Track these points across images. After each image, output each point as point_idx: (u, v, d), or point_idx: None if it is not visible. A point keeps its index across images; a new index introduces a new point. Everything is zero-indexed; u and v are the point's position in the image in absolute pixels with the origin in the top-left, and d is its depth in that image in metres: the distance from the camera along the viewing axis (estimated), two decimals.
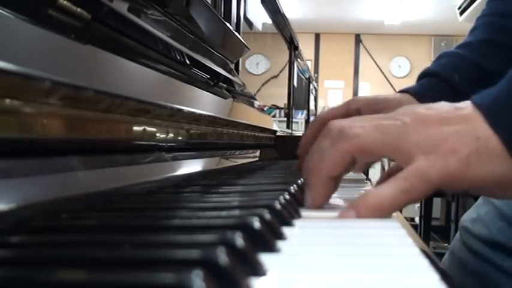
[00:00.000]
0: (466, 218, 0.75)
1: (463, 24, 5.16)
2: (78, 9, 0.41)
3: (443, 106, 0.42)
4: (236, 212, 0.34)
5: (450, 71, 0.71)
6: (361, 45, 7.24)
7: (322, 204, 0.44)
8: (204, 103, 0.71)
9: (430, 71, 0.74)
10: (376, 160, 0.48)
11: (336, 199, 0.50)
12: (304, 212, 0.40)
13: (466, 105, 0.41)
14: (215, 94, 0.80)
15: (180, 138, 0.58)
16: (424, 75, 0.74)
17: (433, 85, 0.71)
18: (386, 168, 5.38)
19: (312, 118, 4.53)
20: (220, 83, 0.89)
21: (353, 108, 0.65)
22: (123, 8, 0.52)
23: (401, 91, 0.72)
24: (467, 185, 0.39)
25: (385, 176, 0.47)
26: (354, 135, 0.41)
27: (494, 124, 0.38)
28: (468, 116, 0.40)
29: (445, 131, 0.39)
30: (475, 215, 0.72)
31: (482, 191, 0.43)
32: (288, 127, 2.72)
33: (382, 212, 0.38)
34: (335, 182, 0.44)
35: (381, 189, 0.38)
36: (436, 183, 0.38)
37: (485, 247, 0.68)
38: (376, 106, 0.64)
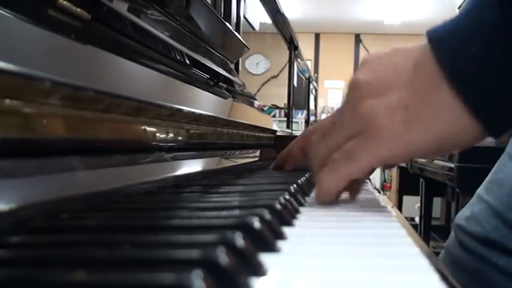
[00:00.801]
0: (460, 216, 0.75)
1: None
2: (78, 9, 0.41)
3: (397, 54, 0.42)
4: (236, 212, 0.34)
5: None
6: (361, 45, 7.24)
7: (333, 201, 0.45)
8: (204, 103, 0.71)
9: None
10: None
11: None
12: (303, 210, 0.40)
13: (418, 50, 0.40)
14: (215, 94, 0.80)
15: (180, 138, 0.58)
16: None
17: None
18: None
19: (312, 118, 4.53)
20: (220, 83, 0.89)
21: None
22: (123, 8, 0.52)
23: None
24: (407, 155, 0.40)
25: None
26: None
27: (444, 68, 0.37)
28: (408, 69, 0.39)
29: (374, 104, 0.39)
30: (469, 213, 0.72)
31: (429, 154, 0.43)
32: (288, 127, 2.72)
33: (334, 196, 0.43)
34: None
35: (323, 178, 0.42)
36: (366, 163, 0.40)
37: (480, 245, 0.68)
38: None
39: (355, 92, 0.41)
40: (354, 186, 0.47)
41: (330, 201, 0.44)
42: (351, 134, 0.41)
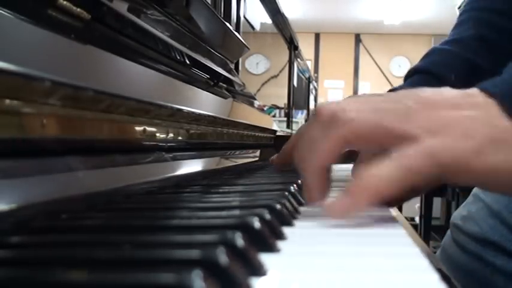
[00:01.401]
0: (457, 215, 0.74)
1: None
2: (78, 9, 0.41)
3: (450, 91, 0.37)
4: (236, 212, 0.34)
5: (443, 68, 0.69)
6: (361, 44, 7.24)
7: (320, 199, 0.39)
8: (204, 103, 0.71)
9: (421, 68, 0.71)
10: (375, 150, 0.40)
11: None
12: (303, 210, 0.40)
13: (476, 93, 0.36)
14: (215, 94, 0.80)
15: (180, 138, 0.58)
16: (414, 73, 0.71)
17: (424, 83, 0.67)
18: None
19: None
20: (220, 83, 0.89)
21: None
22: (123, 8, 0.52)
23: (391, 90, 0.69)
24: (474, 176, 0.34)
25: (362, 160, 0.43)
26: (349, 120, 0.36)
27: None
28: (481, 103, 0.35)
29: (456, 115, 0.34)
30: (465, 213, 0.72)
31: (490, 185, 0.38)
32: (288, 127, 2.72)
33: (384, 195, 0.33)
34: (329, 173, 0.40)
35: (379, 169, 0.33)
36: (443, 166, 0.33)
37: (477, 245, 0.68)
38: None
39: (420, 107, 0.36)
40: None
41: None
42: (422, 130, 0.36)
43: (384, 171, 0.33)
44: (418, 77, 0.70)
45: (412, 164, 0.33)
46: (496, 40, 0.70)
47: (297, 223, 0.35)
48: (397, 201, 0.45)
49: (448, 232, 0.76)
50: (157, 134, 0.52)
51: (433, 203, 3.09)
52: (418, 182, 0.34)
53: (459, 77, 0.67)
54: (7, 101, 0.29)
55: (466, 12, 0.77)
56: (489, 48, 0.70)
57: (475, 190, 0.74)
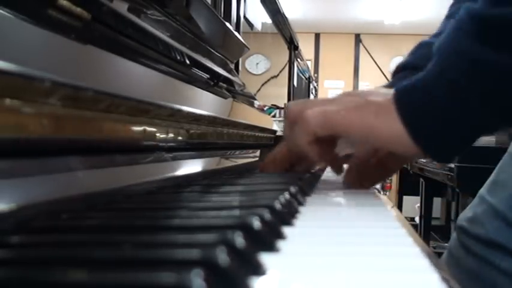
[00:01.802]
0: (462, 217, 0.74)
1: None
2: (78, 9, 0.41)
3: (380, 91, 0.53)
4: (236, 212, 0.34)
5: (428, 62, 0.70)
6: (361, 45, 7.23)
7: (332, 159, 0.57)
8: (204, 103, 0.71)
9: (407, 63, 0.75)
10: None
11: (336, 198, 0.50)
12: (303, 210, 0.40)
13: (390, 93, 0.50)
14: (215, 94, 0.80)
15: (180, 138, 0.58)
16: (401, 68, 0.74)
17: (404, 77, 0.68)
18: None
19: None
20: (220, 83, 0.89)
21: None
22: (123, 8, 0.52)
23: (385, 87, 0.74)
24: (338, 128, 0.51)
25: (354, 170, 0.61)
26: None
27: (397, 105, 0.48)
28: (380, 94, 0.51)
29: (349, 99, 0.52)
30: (471, 214, 0.72)
31: (365, 138, 0.52)
32: None
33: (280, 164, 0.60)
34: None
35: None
36: (333, 123, 0.50)
37: (482, 247, 0.68)
38: None
39: (344, 94, 0.57)
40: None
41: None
42: (329, 104, 0.55)
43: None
44: (404, 73, 0.73)
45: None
46: None
47: (297, 223, 0.35)
48: (373, 181, 0.63)
49: (454, 235, 0.76)
50: (157, 134, 0.52)
51: (433, 203, 3.09)
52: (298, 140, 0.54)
53: None
54: (7, 101, 0.29)
55: (454, 4, 0.77)
56: None
57: (481, 191, 0.74)
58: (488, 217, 0.68)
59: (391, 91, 0.50)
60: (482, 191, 0.74)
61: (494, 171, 0.75)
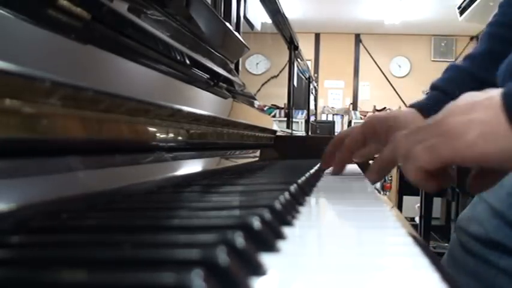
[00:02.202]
0: (462, 217, 0.74)
1: (463, 24, 5.16)
2: (78, 9, 0.41)
3: (477, 96, 0.48)
4: (236, 212, 0.34)
5: (454, 85, 0.79)
6: (361, 45, 7.24)
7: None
8: (204, 103, 0.71)
9: (437, 85, 0.82)
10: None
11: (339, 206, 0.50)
12: (303, 210, 0.40)
13: (495, 94, 0.46)
14: (215, 94, 0.80)
15: (180, 138, 0.58)
16: (432, 88, 0.82)
17: (437, 99, 0.78)
18: None
19: (312, 118, 4.53)
20: (220, 83, 0.89)
21: (369, 127, 0.78)
22: (123, 8, 0.52)
23: (410, 106, 0.82)
24: (474, 159, 0.46)
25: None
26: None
27: (506, 107, 0.44)
28: (487, 105, 0.46)
29: (462, 120, 0.46)
30: (470, 214, 0.72)
31: (492, 165, 0.48)
32: (288, 127, 2.72)
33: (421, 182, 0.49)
34: None
35: (407, 169, 0.49)
36: (442, 157, 0.46)
37: (481, 246, 0.68)
38: (387, 123, 0.77)
39: (448, 111, 0.50)
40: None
41: (421, 185, 0.50)
42: (437, 135, 0.48)
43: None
44: (433, 93, 0.81)
45: (438, 152, 0.47)
46: (503, 52, 0.75)
47: (297, 223, 0.35)
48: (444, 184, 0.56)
49: (454, 235, 0.76)
50: (157, 134, 0.52)
51: (433, 203, 3.09)
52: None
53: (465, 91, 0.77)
54: (7, 101, 0.29)
55: (486, 28, 0.82)
56: (497, 61, 0.75)
57: None
58: (487, 216, 0.68)
59: (482, 102, 0.47)
60: None
61: None
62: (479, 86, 0.75)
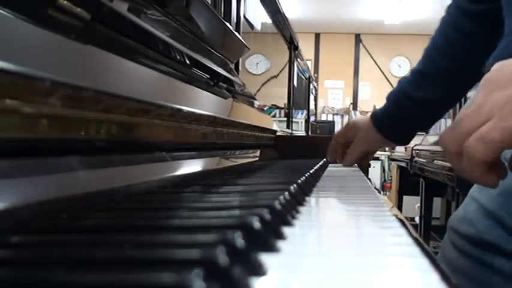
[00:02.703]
0: (454, 217, 0.74)
1: None
2: (78, 9, 0.41)
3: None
4: (236, 212, 0.34)
5: (392, 97, 0.92)
6: (361, 45, 7.24)
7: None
8: (204, 103, 0.71)
9: (388, 95, 0.94)
10: None
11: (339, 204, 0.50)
12: (303, 210, 0.40)
13: None
14: (215, 94, 0.80)
15: (180, 138, 0.58)
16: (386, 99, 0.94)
17: (385, 109, 0.94)
18: (386, 168, 5.39)
19: (312, 118, 4.52)
20: (220, 83, 0.89)
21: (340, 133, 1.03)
22: (123, 8, 0.52)
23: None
24: None
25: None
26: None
27: None
28: None
29: (508, 93, 0.43)
30: (461, 214, 0.72)
31: None
32: (288, 127, 2.72)
33: (477, 175, 0.44)
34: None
35: (459, 167, 0.46)
36: (499, 142, 0.42)
37: (474, 247, 0.67)
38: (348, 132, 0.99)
39: (484, 88, 0.46)
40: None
41: (481, 177, 0.46)
42: (482, 121, 0.44)
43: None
44: (385, 104, 0.95)
45: (490, 138, 0.43)
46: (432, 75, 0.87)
47: (297, 223, 0.35)
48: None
49: (446, 235, 0.76)
50: (157, 134, 0.52)
51: (433, 203, 3.09)
52: (476, 162, 0.44)
53: (403, 109, 0.90)
54: (7, 101, 0.29)
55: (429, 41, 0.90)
56: (426, 81, 0.87)
57: (472, 191, 0.74)
58: (479, 216, 0.68)
59: None
60: (473, 189, 0.74)
61: None
62: (414, 104, 0.86)
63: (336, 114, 6.97)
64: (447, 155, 0.49)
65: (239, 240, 0.23)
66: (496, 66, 0.47)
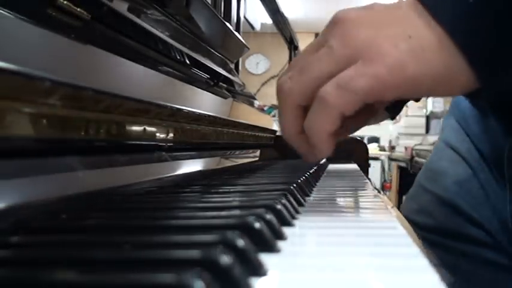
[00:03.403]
0: (408, 208, 0.73)
1: None
2: (78, 9, 0.41)
3: (379, 7, 0.39)
4: (236, 212, 0.34)
5: None
6: None
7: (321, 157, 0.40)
8: (204, 103, 0.71)
9: None
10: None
11: (334, 202, 0.50)
12: (303, 210, 0.40)
13: (403, 3, 0.38)
14: (215, 94, 0.80)
15: (180, 138, 0.58)
16: None
17: None
18: (386, 168, 5.39)
19: None
20: (220, 83, 0.89)
21: None
22: (123, 8, 0.52)
23: None
24: (404, 89, 0.36)
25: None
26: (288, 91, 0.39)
27: (436, 14, 0.36)
28: (402, 15, 0.37)
29: (374, 34, 0.36)
30: (416, 206, 0.72)
31: (422, 92, 0.39)
32: None
33: (329, 141, 0.37)
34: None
35: (311, 121, 0.37)
36: (364, 91, 0.35)
37: (434, 235, 0.68)
38: None
39: (343, 23, 0.38)
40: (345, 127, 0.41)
41: (327, 149, 0.39)
42: (342, 64, 0.36)
43: (313, 119, 0.37)
44: None
45: (329, 102, 0.36)
46: None
47: (297, 223, 0.35)
48: (357, 126, 0.47)
49: None
50: (157, 134, 0.52)
51: None
52: (344, 112, 0.36)
53: None
54: (7, 101, 0.29)
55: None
56: None
57: (419, 179, 0.74)
58: (435, 206, 0.68)
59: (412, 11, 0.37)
60: (421, 179, 0.73)
61: (430, 158, 0.75)
62: None
63: None
64: (285, 107, 0.40)
65: (239, 240, 0.23)
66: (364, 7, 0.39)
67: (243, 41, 1.10)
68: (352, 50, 0.36)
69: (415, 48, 0.35)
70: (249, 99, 1.14)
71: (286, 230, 0.31)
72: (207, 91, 0.75)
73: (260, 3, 1.92)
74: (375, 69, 0.35)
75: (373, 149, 4.71)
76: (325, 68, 0.37)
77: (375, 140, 5.30)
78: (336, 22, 0.38)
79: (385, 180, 5.59)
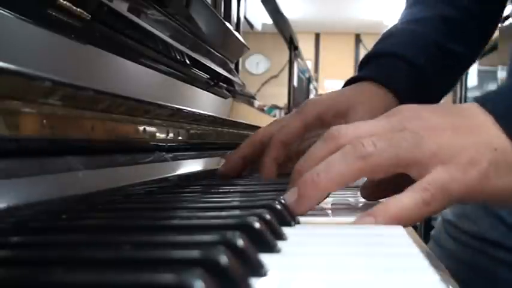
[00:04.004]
0: (449, 212, 0.74)
1: None
2: (78, 9, 0.41)
3: (448, 110, 0.41)
4: (236, 212, 0.34)
5: (410, 49, 0.64)
6: (361, 45, 7.24)
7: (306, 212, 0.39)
8: (204, 103, 0.71)
9: (384, 51, 0.67)
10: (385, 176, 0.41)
11: (328, 204, 0.50)
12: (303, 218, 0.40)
13: (474, 111, 0.39)
14: (215, 94, 0.80)
15: (180, 138, 0.58)
16: (374, 57, 0.67)
17: (393, 66, 0.63)
18: None
19: None
20: (220, 83, 0.89)
21: (311, 117, 0.58)
22: (123, 8, 0.52)
23: (357, 79, 0.63)
24: (485, 198, 0.38)
25: (371, 185, 0.46)
26: (368, 154, 0.37)
27: (511, 134, 0.37)
28: (481, 125, 0.39)
29: (461, 141, 0.38)
30: (460, 211, 0.72)
31: (500, 203, 0.42)
32: None
33: (401, 222, 0.35)
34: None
35: (402, 198, 0.36)
36: (455, 196, 0.37)
37: (476, 241, 0.68)
38: (337, 108, 0.59)
39: (420, 117, 0.39)
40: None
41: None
42: (427, 156, 0.38)
43: (405, 201, 0.36)
44: (383, 61, 0.64)
45: (429, 199, 0.36)
46: (462, 21, 0.67)
47: (297, 223, 0.35)
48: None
49: (439, 227, 0.76)
50: (157, 134, 0.52)
51: None
52: (434, 212, 0.37)
53: (430, 61, 0.64)
54: (7, 101, 0.29)
55: None
56: (457, 30, 0.67)
57: None
58: (479, 214, 0.68)
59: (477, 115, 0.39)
60: None
61: None
62: (444, 56, 0.63)
63: None
64: (359, 167, 0.38)
65: (239, 241, 0.23)
66: (426, 107, 0.41)
67: (243, 41, 1.10)
68: (438, 149, 0.37)
69: (499, 161, 0.37)
70: (249, 99, 1.14)
71: (286, 230, 0.31)
72: (207, 91, 0.75)
73: (260, 3, 1.92)
74: (469, 176, 0.37)
75: None
76: (411, 151, 0.38)
77: None
78: (413, 113, 0.40)
79: None
